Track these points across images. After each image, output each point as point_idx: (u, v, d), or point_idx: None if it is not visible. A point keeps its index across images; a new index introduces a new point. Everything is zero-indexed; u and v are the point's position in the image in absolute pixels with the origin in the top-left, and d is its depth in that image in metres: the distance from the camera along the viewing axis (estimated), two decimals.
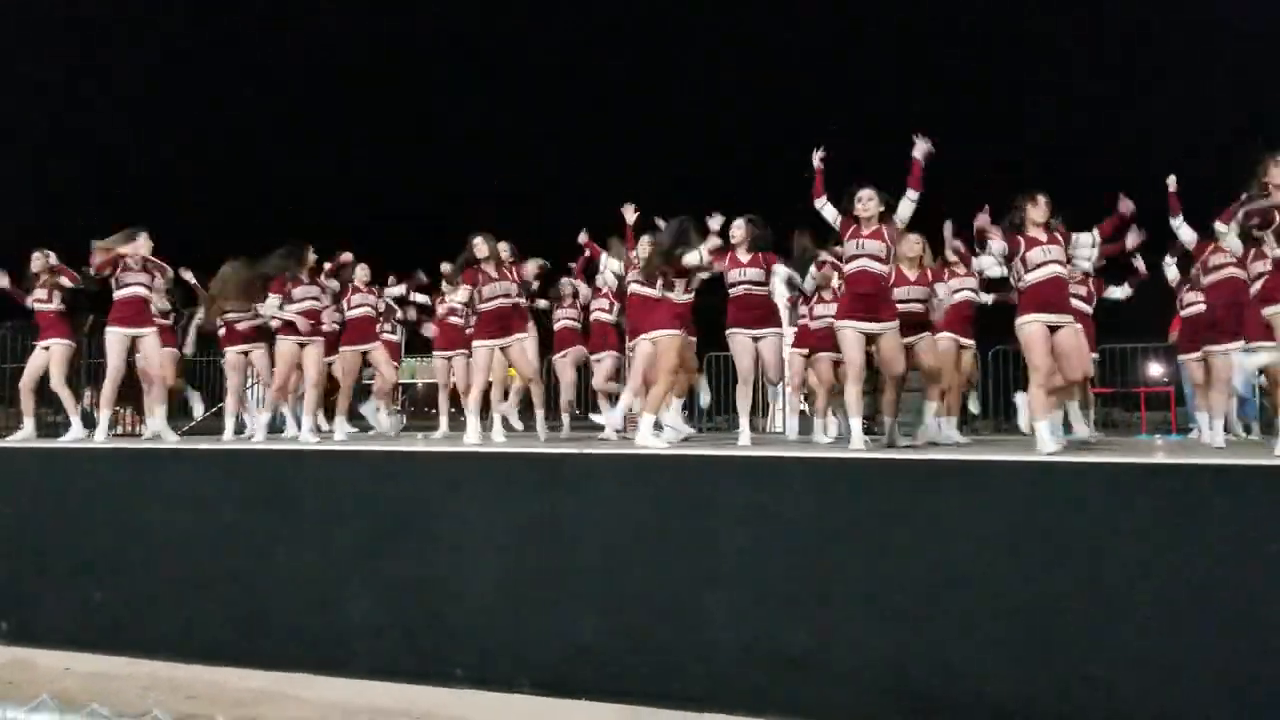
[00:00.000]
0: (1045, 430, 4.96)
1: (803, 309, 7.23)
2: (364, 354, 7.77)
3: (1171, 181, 6.42)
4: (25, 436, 7.25)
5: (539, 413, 7.67)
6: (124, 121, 36.20)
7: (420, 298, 8.54)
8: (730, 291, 6.44)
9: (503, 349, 6.78)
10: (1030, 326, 5.11)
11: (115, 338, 6.86)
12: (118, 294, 6.90)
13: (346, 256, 7.62)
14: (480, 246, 6.65)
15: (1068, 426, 6.47)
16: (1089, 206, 6.08)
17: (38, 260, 7.26)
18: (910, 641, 4.16)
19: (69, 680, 4.99)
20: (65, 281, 7.22)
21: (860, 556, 4.34)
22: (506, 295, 6.71)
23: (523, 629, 4.76)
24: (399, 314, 8.87)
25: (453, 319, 8.12)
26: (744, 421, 6.30)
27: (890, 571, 4.26)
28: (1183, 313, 7.24)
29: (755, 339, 6.38)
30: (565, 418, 8.43)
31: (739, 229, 6.36)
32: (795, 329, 7.58)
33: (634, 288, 6.67)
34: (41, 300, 7.24)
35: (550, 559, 4.82)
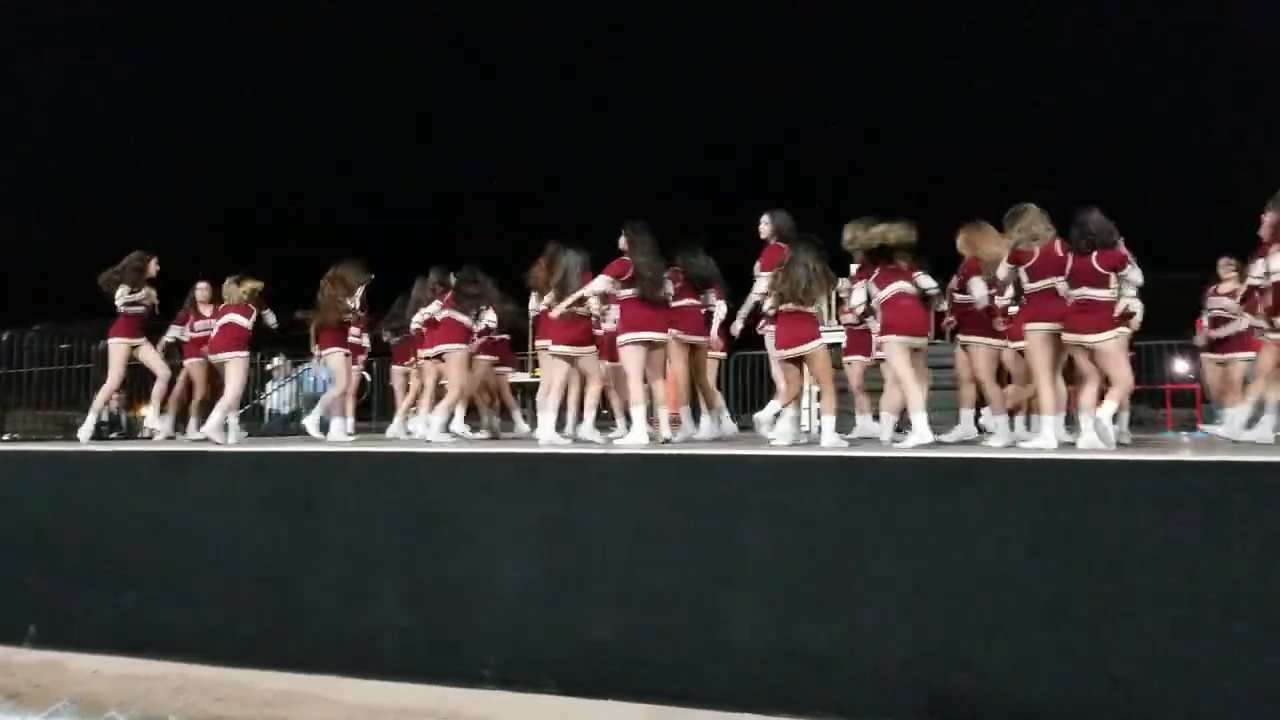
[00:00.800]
0: (1096, 426, 5.05)
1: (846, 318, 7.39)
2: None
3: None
4: (166, 432, 7.65)
5: (551, 416, 7.62)
6: (124, 121, 36.25)
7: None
8: None
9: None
10: (1122, 339, 5.31)
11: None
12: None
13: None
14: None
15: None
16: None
17: (155, 267, 7.51)
18: (934, 640, 4.18)
19: (97, 683, 5.00)
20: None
21: (883, 555, 4.35)
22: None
23: (548, 629, 4.78)
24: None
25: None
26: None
27: (913, 570, 4.28)
28: (1208, 315, 7.30)
29: None
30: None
31: (765, 225, 6.38)
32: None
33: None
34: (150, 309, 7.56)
35: (575, 559, 4.83)
